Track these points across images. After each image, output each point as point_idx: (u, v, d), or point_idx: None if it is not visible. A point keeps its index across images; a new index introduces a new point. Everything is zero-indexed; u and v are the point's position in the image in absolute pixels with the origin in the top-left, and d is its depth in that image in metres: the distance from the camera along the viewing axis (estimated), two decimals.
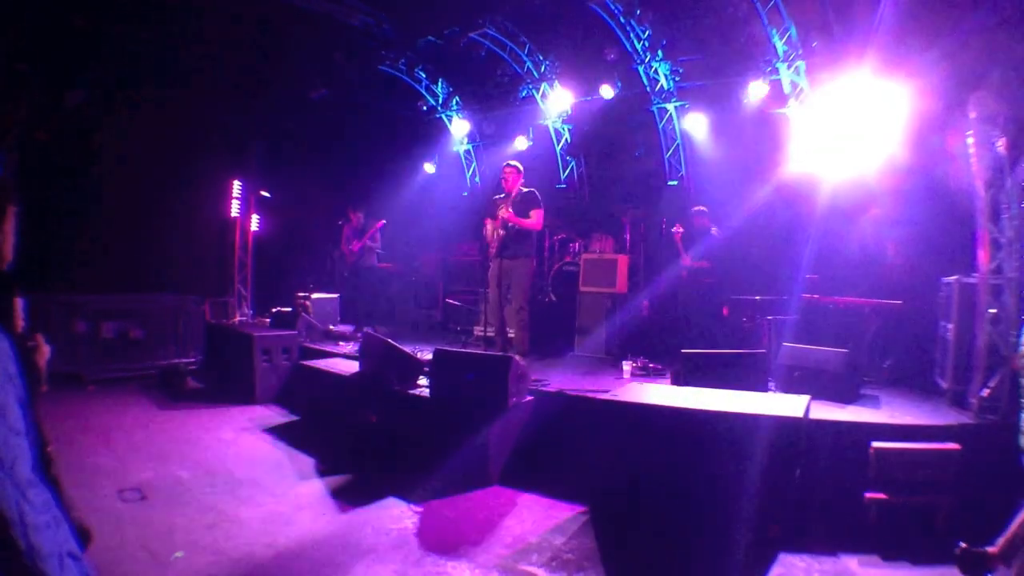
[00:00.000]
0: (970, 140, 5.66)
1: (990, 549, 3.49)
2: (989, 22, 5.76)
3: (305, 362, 8.67)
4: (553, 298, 10.90)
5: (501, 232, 7.98)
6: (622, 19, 11.17)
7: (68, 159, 9.97)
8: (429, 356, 6.58)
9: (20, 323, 2.46)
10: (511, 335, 8.27)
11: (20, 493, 1.57)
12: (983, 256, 5.65)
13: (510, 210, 7.92)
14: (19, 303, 2.45)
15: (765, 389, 6.16)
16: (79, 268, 10.03)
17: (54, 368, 2.77)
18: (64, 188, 9.80)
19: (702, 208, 9.71)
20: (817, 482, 4.95)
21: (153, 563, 4.06)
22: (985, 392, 5.32)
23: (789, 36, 9.56)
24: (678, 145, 12.02)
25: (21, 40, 7.91)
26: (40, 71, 8.55)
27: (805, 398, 4.91)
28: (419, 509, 5.17)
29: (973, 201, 5.76)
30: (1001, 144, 5.42)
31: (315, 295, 11.96)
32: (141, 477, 5.59)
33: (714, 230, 9.44)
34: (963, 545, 3.59)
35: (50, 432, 2.76)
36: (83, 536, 2.85)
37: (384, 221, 11.72)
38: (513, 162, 8.38)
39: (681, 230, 9.55)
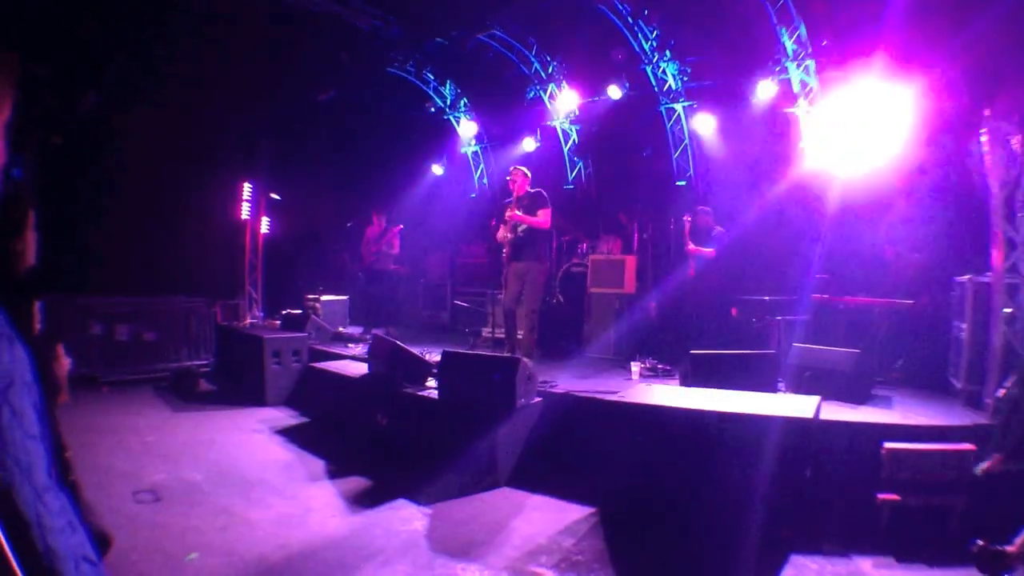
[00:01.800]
0: (984, 138, 5.63)
1: (1008, 548, 3.46)
2: (1003, 15, 5.70)
3: (315, 364, 8.70)
4: (561, 299, 10.89)
5: (510, 235, 7.98)
6: (630, 19, 11.16)
7: (81, 162, 10.02)
8: (437, 358, 6.59)
9: (37, 326, 2.48)
10: (520, 337, 8.27)
11: (37, 497, 1.60)
12: (997, 255, 5.62)
13: (517, 211, 7.91)
14: (36, 306, 2.47)
15: (775, 390, 6.13)
16: (93, 270, 10.08)
17: (69, 371, 2.79)
18: (77, 191, 9.86)
19: (706, 208, 9.59)
20: (829, 483, 4.93)
21: (167, 564, 4.08)
22: (1000, 392, 5.28)
23: (799, 35, 9.52)
24: (686, 145, 11.99)
25: (35, 44, 7.95)
26: (54, 75, 8.59)
27: (815, 399, 4.89)
28: (428, 511, 5.17)
29: (987, 200, 5.73)
30: (1016, 142, 5.38)
31: (325, 297, 12.00)
32: (155, 479, 5.63)
33: (718, 229, 9.33)
34: (980, 543, 3.56)
35: (67, 436, 2.77)
36: (103, 542, 2.87)
37: (402, 226, 11.76)
38: (520, 166, 8.37)
39: (690, 219, 9.45)
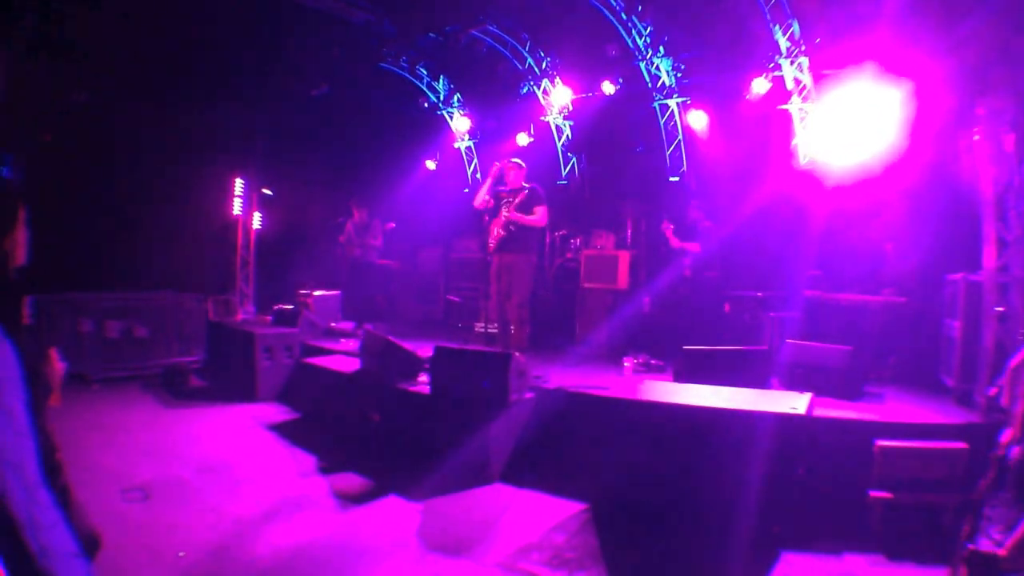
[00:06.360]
0: (977, 137, 5.62)
1: (999, 551, 3.44)
2: (992, 16, 5.69)
3: (306, 360, 8.66)
4: (554, 294, 10.88)
5: (503, 232, 7.94)
6: (623, 15, 11.12)
7: (72, 159, 9.96)
8: (430, 353, 6.56)
9: (25, 322, 2.46)
10: (512, 331, 8.24)
11: (29, 495, 1.61)
12: (989, 254, 5.61)
13: (514, 211, 7.87)
14: (25, 303, 2.46)
15: (768, 386, 6.13)
16: (84, 266, 10.01)
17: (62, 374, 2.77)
18: (68, 188, 9.79)
19: (695, 203, 9.63)
20: (821, 480, 4.92)
21: (156, 562, 4.06)
22: (992, 390, 5.27)
23: (792, 32, 9.52)
24: (679, 141, 11.98)
25: (27, 42, 7.91)
26: (46, 72, 8.54)
27: (807, 395, 4.89)
28: (420, 507, 5.15)
29: (979, 198, 5.72)
30: (1009, 141, 5.38)
31: (316, 292, 11.94)
32: (144, 476, 5.59)
33: (706, 223, 9.31)
34: (971, 547, 3.54)
35: (57, 434, 2.74)
36: (92, 543, 2.84)
37: (393, 224, 11.69)
38: (516, 159, 8.34)
39: (672, 227, 9.46)
